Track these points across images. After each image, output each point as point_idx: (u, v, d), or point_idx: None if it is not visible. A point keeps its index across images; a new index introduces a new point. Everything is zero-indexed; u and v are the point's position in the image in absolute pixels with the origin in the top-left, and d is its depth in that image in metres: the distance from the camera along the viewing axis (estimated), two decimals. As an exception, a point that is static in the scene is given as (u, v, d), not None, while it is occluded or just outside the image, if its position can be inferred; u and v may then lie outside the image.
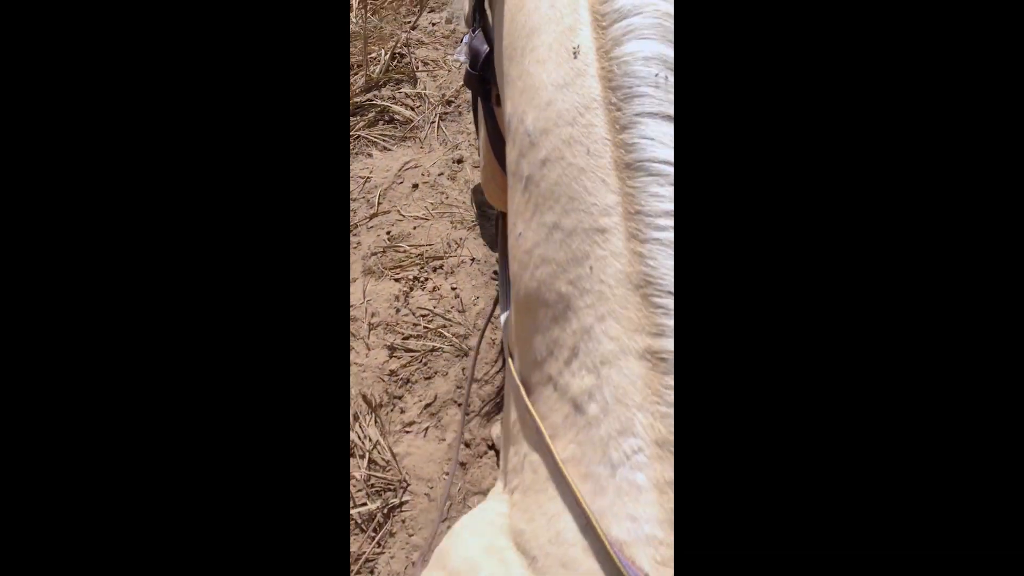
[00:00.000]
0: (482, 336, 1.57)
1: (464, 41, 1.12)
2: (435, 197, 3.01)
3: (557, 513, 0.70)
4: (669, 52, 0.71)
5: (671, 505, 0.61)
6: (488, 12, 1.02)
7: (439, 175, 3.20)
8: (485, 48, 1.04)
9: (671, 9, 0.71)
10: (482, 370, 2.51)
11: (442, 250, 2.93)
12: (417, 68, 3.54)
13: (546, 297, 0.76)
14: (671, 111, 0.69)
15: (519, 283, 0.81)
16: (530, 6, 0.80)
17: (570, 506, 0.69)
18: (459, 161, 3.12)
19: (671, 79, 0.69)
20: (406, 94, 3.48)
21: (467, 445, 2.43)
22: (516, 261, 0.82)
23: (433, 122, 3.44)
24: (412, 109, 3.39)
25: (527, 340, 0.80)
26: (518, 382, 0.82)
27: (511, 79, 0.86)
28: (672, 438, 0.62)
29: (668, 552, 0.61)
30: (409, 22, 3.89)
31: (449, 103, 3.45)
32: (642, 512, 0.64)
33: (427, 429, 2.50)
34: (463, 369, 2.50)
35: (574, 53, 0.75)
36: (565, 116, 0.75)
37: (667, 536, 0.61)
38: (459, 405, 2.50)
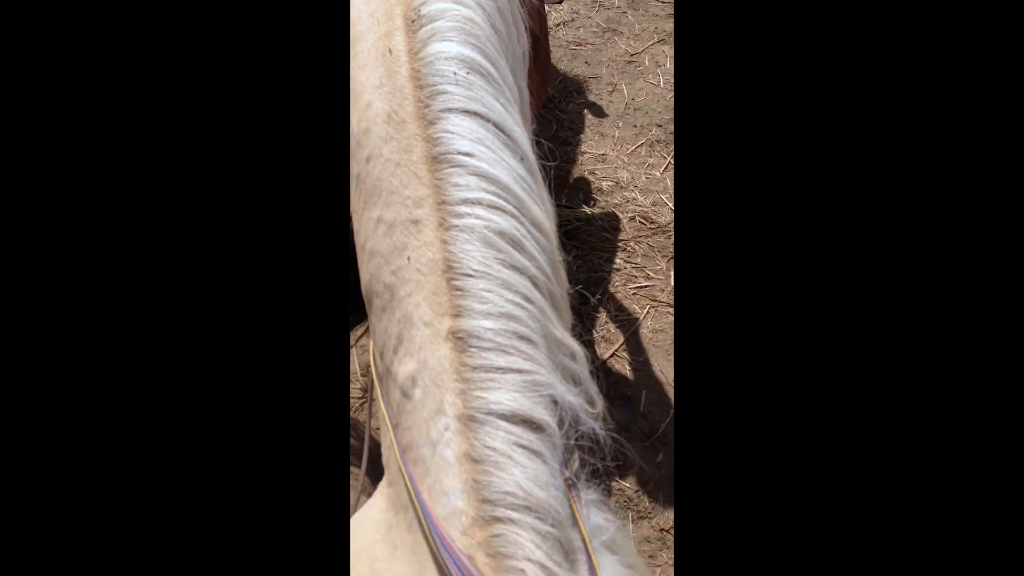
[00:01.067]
0: None
1: None
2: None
3: (406, 504, 0.76)
4: (468, 52, 0.82)
5: (468, 476, 0.68)
6: None
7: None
8: None
9: (471, 14, 0.84)
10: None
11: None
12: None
13: (377, 288, 0.83)
14: (471, 106, 0.80)
15: (361, 278, 0.89)
16: (354, 15, 0.93)
17: (411, 494, 0.75)
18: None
19: (470, 76, 0.81)
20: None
21: None
22: (357, 257, 0.90)
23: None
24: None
25: (373, 332, 0.86)
26: (373, 375, 0.88)
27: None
28: (468, 411, 0.70)
29: (468, 520, 0.67)
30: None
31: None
32: (450, 485, 0.69)
33: None
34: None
35: (389, 52, 0.84)
36: (381, 115, 0.83)
37: (467, 506, 0.67)
38: None
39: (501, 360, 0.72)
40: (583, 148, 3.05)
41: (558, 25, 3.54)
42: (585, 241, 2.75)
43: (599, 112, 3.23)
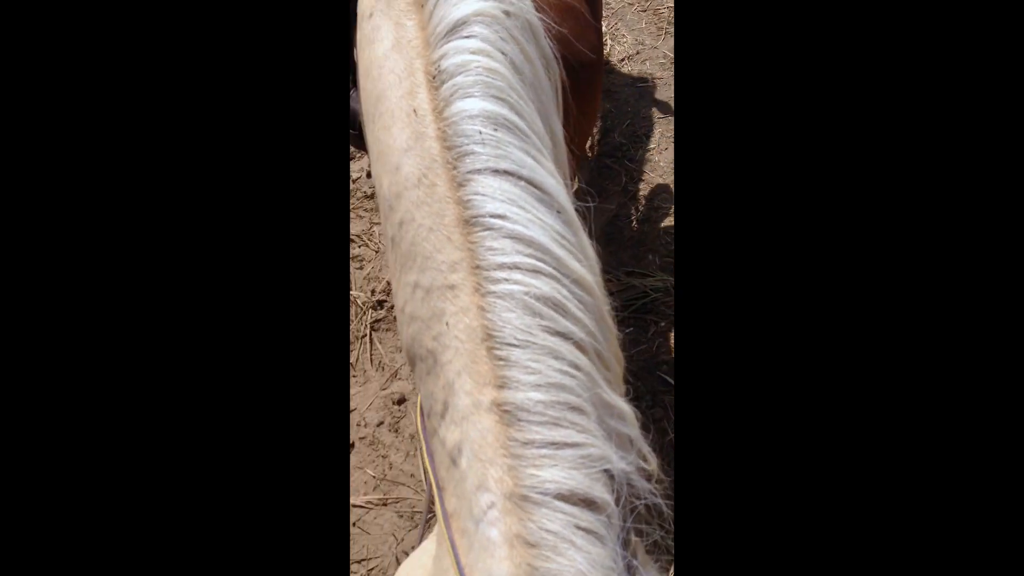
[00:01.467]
0: None
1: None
2: (376, 466, 2.30)
3: (447, 569, 0.77)
4: (492, 107, 0.83)
5: (521, 560, 0.67)
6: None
7: (378, 425, 2.37)
8: None
9: (492, 63, 0.84)
10: None
11: (389, 563, 2.14)
12: (345, 262, 2.48)
13: (419, 352, 0.84)
14: (500, 165, 0.80)
15: (402, 339, 0.91)
16: (375, 73, 0.94)
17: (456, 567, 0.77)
18: (400, 402, 2.41)
19: (497, 133, 0.82)
20: (331, 292, 2.17)
21: None
22: (397, 316, 0.93)
23: (364, 336, 2.56)
24: (336, 315, 1.99)
25: (420, 393, 0.89)
26: (421, 435, 0.89)
27: (370, 145, 1.00)
28: (520, 490, 0.70)
29: None
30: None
31: (380, 304, 2.62)
32: (496, 568, 0.69)
33: None
34: None
35: (414, 112, 0.86)
36: (411, 179, 0.85)
37: None
38: None
39: (554, 434, 0.71)
40: (655, 203, 2.73)
41: (622, 60, 3.26)
42: (663, 314, 2.44)
43: (667, 109, 3.11)
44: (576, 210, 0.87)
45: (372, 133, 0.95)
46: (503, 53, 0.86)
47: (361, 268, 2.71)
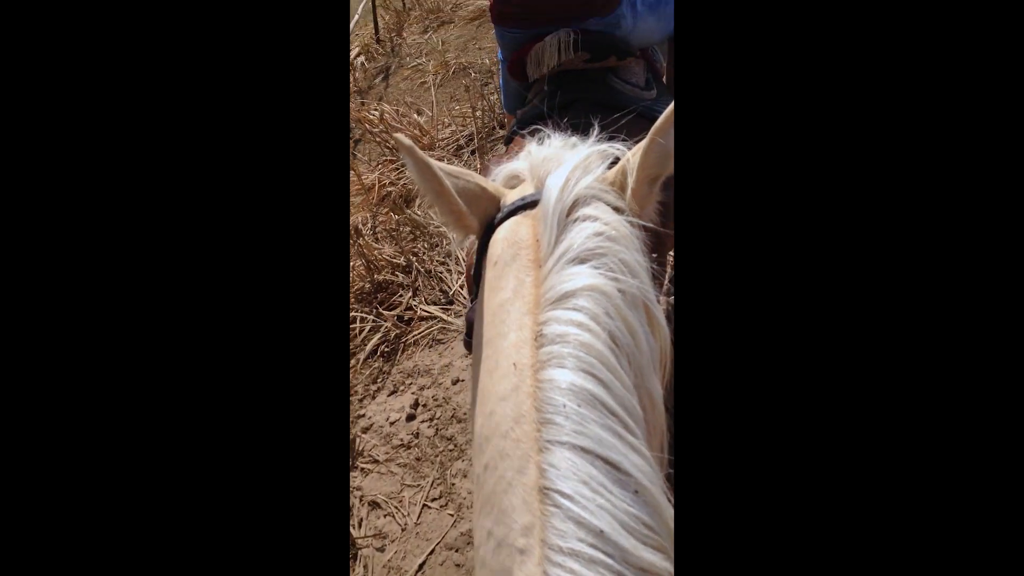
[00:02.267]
0: None
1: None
2: None
3: None
4: (580, 380, 0.87)
5: None
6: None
7: None
8: None
9: (589, 338, 0.89)
10: None
11: None
12: (365, 537, 2.07)
13: None
14: (577, 441, 0.83)
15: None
16: (489, 319, 1.03)
17: None
18: None
19: (581, 409, 0.85)
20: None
21: None
22: (474, 554, 0.97)
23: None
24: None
25: None
26: None
27: (473, 381, 1.08)
28: None
29: None
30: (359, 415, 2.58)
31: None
32: None
33: None
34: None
35: (514, 366, 0.91)
36: (501, 428, 0.89)
37: None
38: None
39: None
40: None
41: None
42: None
43: None
44: (668, 477, 0.92)
45: (477, 371, 1.01)
46: (603, 328, 0.90)
47: (382, 550, 2.08)
